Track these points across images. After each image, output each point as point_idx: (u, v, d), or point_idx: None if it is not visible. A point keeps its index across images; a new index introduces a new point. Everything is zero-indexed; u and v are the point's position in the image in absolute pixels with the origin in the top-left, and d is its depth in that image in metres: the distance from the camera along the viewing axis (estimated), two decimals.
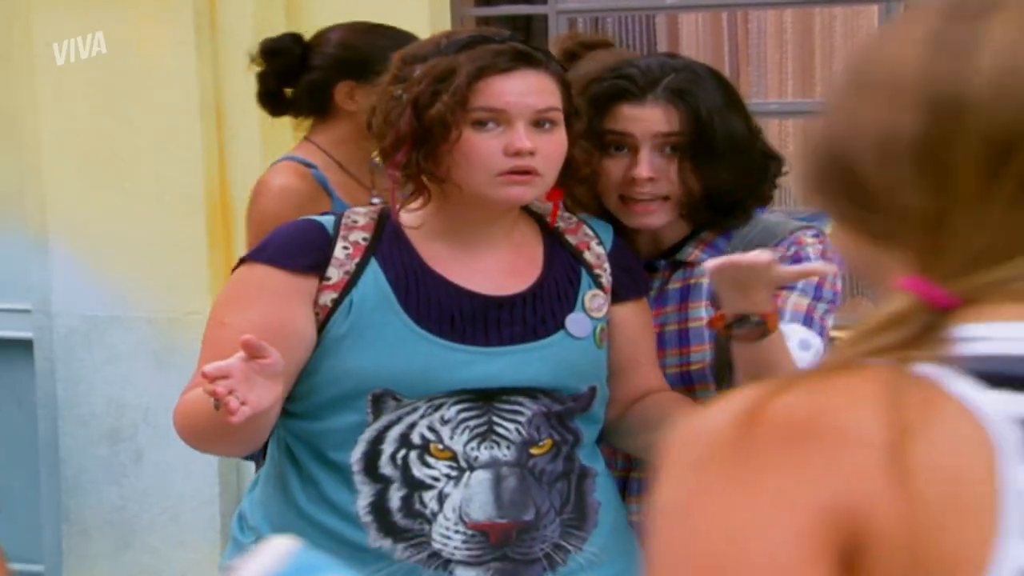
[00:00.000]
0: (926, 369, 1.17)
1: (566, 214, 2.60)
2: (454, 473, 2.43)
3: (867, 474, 1.12)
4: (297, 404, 2.45)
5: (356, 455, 2.43)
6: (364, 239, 2.46)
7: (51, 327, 5.12)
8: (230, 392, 2.14)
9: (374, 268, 2.44)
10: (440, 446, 2.42)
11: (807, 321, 2.66)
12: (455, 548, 2.42)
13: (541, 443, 2.47)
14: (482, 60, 2.40)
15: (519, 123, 2.40)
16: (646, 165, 2.61)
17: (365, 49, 3.55)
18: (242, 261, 2.49)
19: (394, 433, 2.42)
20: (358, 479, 2.43)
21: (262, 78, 3.70)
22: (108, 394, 5.08)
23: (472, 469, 2.43)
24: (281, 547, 1.28)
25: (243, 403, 2.15)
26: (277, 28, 4.83)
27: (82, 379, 5.11)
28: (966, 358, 1.17)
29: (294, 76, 3.63)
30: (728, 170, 2.63)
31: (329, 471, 2.44)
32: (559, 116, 2.45)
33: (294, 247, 2.44)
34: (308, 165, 3.51)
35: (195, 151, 4.86)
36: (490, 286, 2.48)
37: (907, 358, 1.17)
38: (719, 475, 1.15)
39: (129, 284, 4.99)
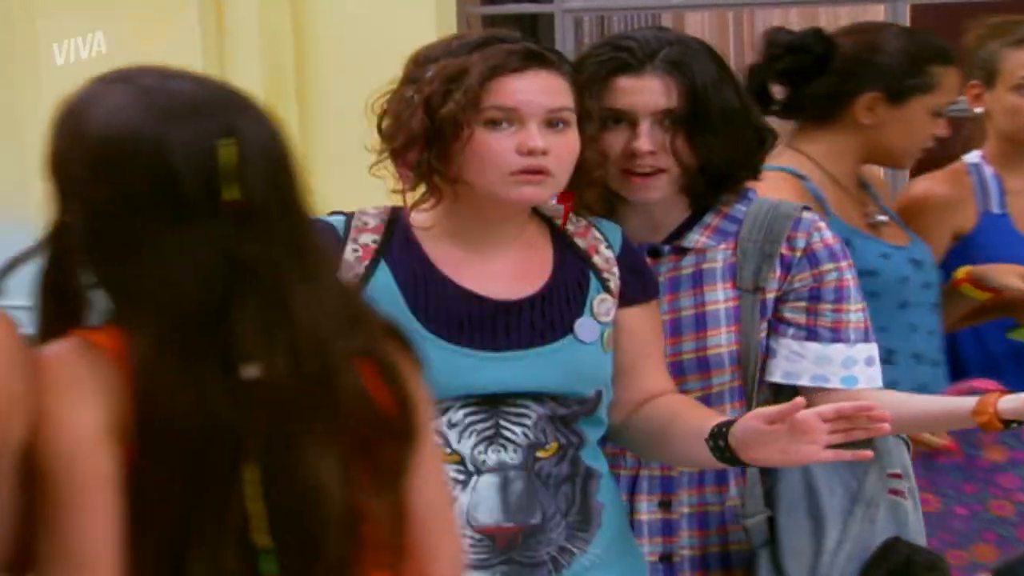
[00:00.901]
0: None
1: (575, 217, 2.58)
2: (461, 477, 2.42)
3: None
4: None
5: None
6: (374, 241, 2.45)
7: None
8: None
9: (384, 271, 2.43)
10: (448, 450, 2.41)
11: (866, 336, 2.72)
12: None
13: (547, 446, 2.46)
14: (495, 59, 2.39)
15: (532, 122, 2.39)
16: (647, 138, 2.62)
17: (901, 58, 3.32)
18: None
19: None
20: None
21: (761, 71, 3.30)
22: None
23: (480, 473, 2.42)
24: None
25: None
26: (283, 32, 4.84)
27: None
28: None
29: (806, 76, 3.29)
30: (723, 142, 2.64)
31: None
32: (571, 116, 2.44)
33: None
34: (800, 177, 3.27)
35: None
36: (499, 290, 2.46)
37: None
38: None
39: None
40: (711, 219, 2.73)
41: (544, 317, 2.47)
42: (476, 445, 2.41)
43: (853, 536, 2.69)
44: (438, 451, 2.02)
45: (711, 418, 2.50)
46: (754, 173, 2.75)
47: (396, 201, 2.53)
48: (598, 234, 2.58)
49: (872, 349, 2.72)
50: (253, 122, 1.75)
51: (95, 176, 1.71)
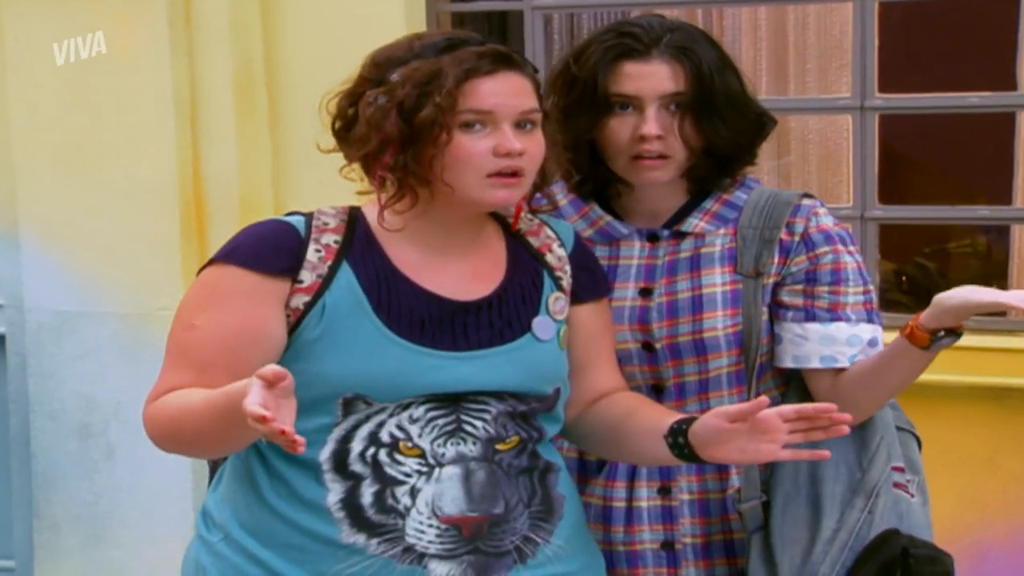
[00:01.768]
0: None
1: (528, 215, 2.60)
2: (424, 470, 2.44)
3: None
4: None
5: (325, 454, 2.43)
6: (336, 242, 2.46)
7: (22, 322, 5.10)
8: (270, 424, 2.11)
9: (346, 272, 2.44)
10: (409, 444, 2.43)
11: (869, 316, 2.75)
12: (429, 542, 2.43)
13: (508, 440, 2.49)
14: (467, 63, 2.41)
15: (505, 124, 2.42)
16: (654, 122, 2.67)
17: None
18: (211, 263, 2.47)
19: (363, 432, 2.43)
20: (328, 477, 2.43)
21: None
22: (79, 389, 5.06)
23: (441, 465, 2.44)
24: None
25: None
26: (252, 23, 4.82)
27: (53, 374, 5.09)
28: None
29: None
30: (728, 126, 2.70)
31: (298, 468, 2.44)
32: (539, 118, 2.47)
33: (266, 249, 2.43)
34: None
35: (168, 147, 4.84)
36: (457, 290, 2.49)
37: None
38: None
39: (100, 279, 4.97)
40: (711, 204, 2.78)
41: (502, 316, 2.50)
42: (436, 439, 2.44)
43: (850, 526, 2.71)
44: None
45: (668, 415, 2.53)
46: (750, 159, 2.80)
47: (363, 200, 2.53)
48: (550, 232, 2.62)
49: (875, 331, 2.75)
50: None
51: None
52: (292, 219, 2.48)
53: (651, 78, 2.68)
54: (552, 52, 5.23)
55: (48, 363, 5.09)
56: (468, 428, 2.45)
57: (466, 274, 2.51)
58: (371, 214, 2.49)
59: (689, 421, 2.47)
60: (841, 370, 2.72)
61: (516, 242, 2.59)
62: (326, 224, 2.47)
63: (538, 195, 2.56)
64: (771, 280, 2.75)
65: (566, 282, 2.58)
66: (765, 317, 2.74)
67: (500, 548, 2.46)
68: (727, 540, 2.79)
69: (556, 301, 2.55)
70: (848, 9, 4.85)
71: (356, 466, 2.42)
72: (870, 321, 2.75)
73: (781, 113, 5.25)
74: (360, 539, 2.42)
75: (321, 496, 2.42)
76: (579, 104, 2.72)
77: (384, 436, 2.42)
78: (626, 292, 2.76)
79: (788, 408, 2.40)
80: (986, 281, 6.02)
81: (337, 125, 2.48)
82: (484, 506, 2.44)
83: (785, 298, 2.75)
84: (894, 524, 2.74)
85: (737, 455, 2.42)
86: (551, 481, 2.54)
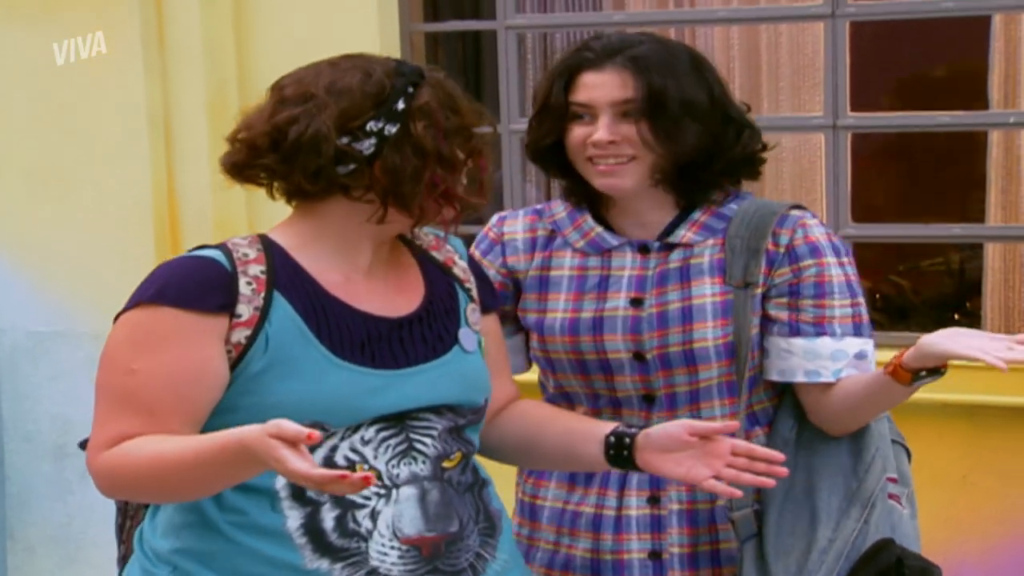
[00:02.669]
0: None
1: (426, 231, 2.62)
2: (382, 492, 2.43)
3: None
4: None
5: (280, 481, 2.40)
6: (262, 272, 2.42)
7: None
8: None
9: (280, 301, 2.41)
10: (365, 466, 2.42)
11: (857, 329, 2.76)
12: (392, 564, 2.42)
13: (452, 456, 2.50)
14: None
15: None
16: (604, 129, 2.72)
17: None
18: (135, 304, 2.41)
19: (317, 457, 2.38)
20: (285, 504, 2.41)
21: None
22: (53, 411, 5.05)
23: (397, 487, 2.44)
24: None
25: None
26: (225, 42, 4.82)
27: (27, 395, 5.07)
28: None
29: None
30: (688, 135, 2.73)
31: (250, 496, 2.41)
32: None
33: (199, 287, 2.38)
34: None
35: (142, 164, 4.84)
36: (387, 307, 2.49)
37: None
38: None
39: (74, 300, 4.96)
40: (699, 215, 2.80)
41: (432, 330, 2.52)
42: (391, 460, 2.44)
43: (845, 535, 2.73)
44: None
45: (600, 422, 2.64)
46: (745, 173, 2.83)
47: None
48: (449, 247, 2.64)
49: (863, 344, 2.77)
50: None
51: None
52: (210, 253, 2.44)
53: (603, 87, 2.74)
54: (526, 71, 5.24)
55: (22, 384, 5.08)
56: (419, 447, 2.45)
57: (390, 291, 2.51)
58: (283, 240, 2.48)
59: (632, 427, 2.57)
60: (829, 385, 2.74)
61: (423, 258, 2.60)
62: (246, 255, 2.43)
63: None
64: (760, 291, 2.76)
65: (475, 293, 2.62)
66: (755, 331, 2.76)
67: (456, 566, 2.46)
68: (714, 551, 2.81)
69: (473, 312, 2.59)
70: (820, 28, 4.87)
71: (313, 492, 2.40)
72: (858, 335, 2.76)
73: None
74: (323, 564, 2.40)
75: (279, 523, 2.40)
76: (540, 114, 2.80)
77: (339, 459, 2.41)
78: (618, 302, 2.78)
79: (742, 444, 2.49)
80: (960, 299, 6.06)
81: (329, 154, 2.40)
82: (440, 525, 2.44)
83: (771, 311, 2.76)
84: (888, 534, 2.76)
85: (671, 467, 2.50)
86: (486, 496, 2.56)
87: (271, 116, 2.43)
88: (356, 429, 2.42)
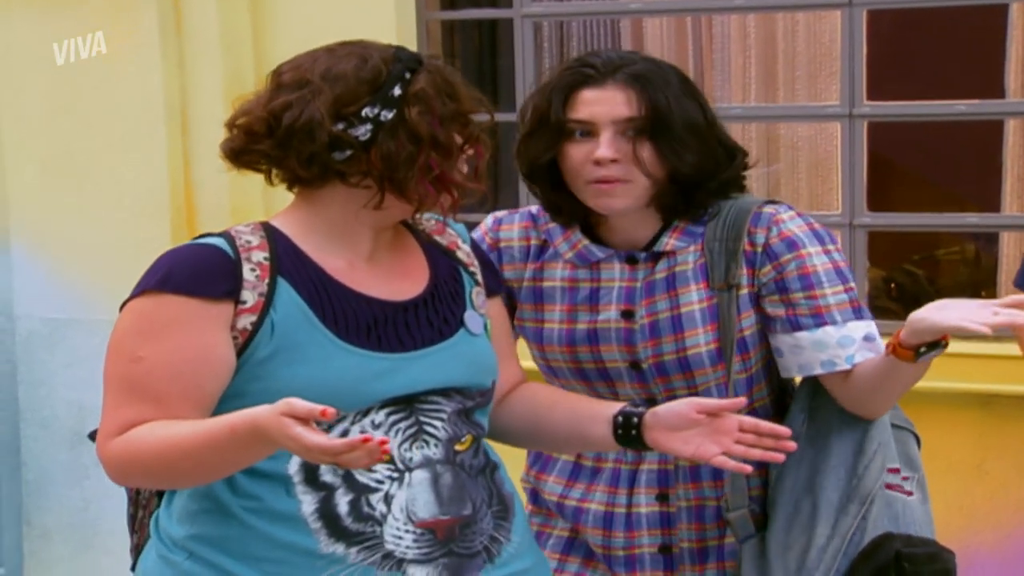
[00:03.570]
0: None
1: (428, 216, 2.63)
2: (395, 475, 2.44)
3: None
4: None
5: (294, 466, 2.41)
6: (265, 259, 2.43)
7: (12, 330, 5.10)
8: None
9: (284, 287, 2.42)
10: (391, 453, 2.43)
11: (857, 313, 2.74)
12: (407, 547, 2.43)
13: (463, 439, 2.51)
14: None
15: None
16: (607, 146, 2.69)
17: None
18: (141, 293, 2.42)
19: None
20: (299, 488, 2.42)
21: None
22: (69, 397, 5.06)
23: (410, 470, 2.45)
24: None
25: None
26: (242, 31, 4.83)
27: (43, 382, 5.09)
28: None
29: None
30: (690, 152, 2.71)
31: (266, 482, 2.42)
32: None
33: (203, 275, 2.39)
34: None
35: (159, 154, 4.85)
36: (391, 291, 2.50)
37: None
38: None
39: (91, 287, 4.98)
40: (679, 222, 2.79)
41: (438, 313, 2.52)
42: (402, 443, 2.44)
43: (843, 532, 2.73)
44: None
45: (608, 402, 2.63)
46: (734, 188, 2.80)
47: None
48: (452, 231, 2.65)
49: (867, 327, 2.75)
50: None
51: None
52: (213, 241, 2.45)
53: (606, 103, 2.71)
54: (542, 61, 5.24)
55: (39, 371, 5.09)
56: (429, 430, 2.46)
57: (395, 275, 2.52)
58: (285, 227, 2.49)
59: (640, 405, 2.57)
60: (847, 372, 2.73)
61: (427, 242, 2.61)
62: (249, 242, 2.44)
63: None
64: (746, 291, 2.76)
65: (479, 277, 2.62)
66: (750, 331, 2.76)
67: (471, 549, 2.47)
68: (720, 545, 2.83)
69: (478, 295, 2.59)
70: (837, 17, 4.86)
71: (327, 476, 2.41)
72: (860, 318, 2.75)
73: (770, 121, 5.28)
74: (339, 548, 2.41)
75: (294, 508, 2.41)
76: (537, 131, 2.76)
77: None
78: (609, 315, 2.79)
79: (749, 420, 2.48)
80: (975, 289, 6.06)
81: (323, 140, 2.40)
82: (454, 508, 2.45)
83: (768, 310, 2.76)
84: (888, 527, 2.76)
85: (679, 445, 2.50)
86: (498, 479, 2.57)
87: (268, 102, 2.44)
88: (366, 413, 2.42)
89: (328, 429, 2.38)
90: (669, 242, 2.77)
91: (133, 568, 2.64)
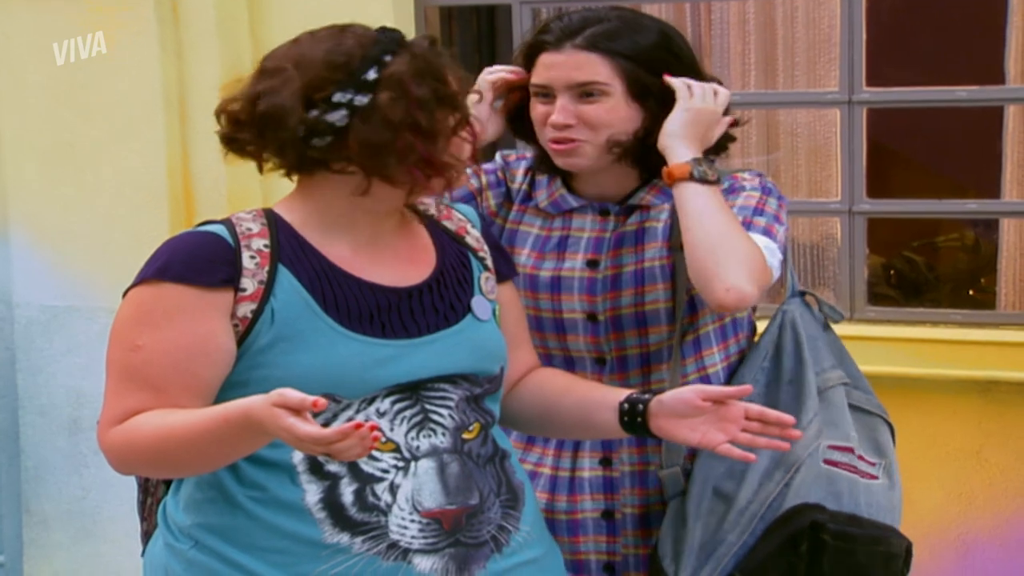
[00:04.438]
0: None
1: (434, 200, 2.62)
2: (401, 464, 2.44)
3: None
4: None
5: (299, 456, 2.41)
6: (265, 246, 2.43)
7: (11, 317, 5.10)
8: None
9: (285, 274, 2.42)
10: (383, 439, 2.42)
11: (767, 232, 2.74)
12: (412, 537, 2.43)
13: (471, 427, 2.50)
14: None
15: None
16: (560, 112, 2.76)
17: None
18: (140, 282, 2.42)
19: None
20: (304, 478, 2.41)
21: None
22: (68, 384, 5.06)
23: (416, 459, 2.44)
24: None
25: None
26: (239, 20, 4.82)
27: (42, 369, 5.09)
28: None
29: None
30: (648, 115, 2.76)
31: (270, 471, 2.42)
32: None
33: (202, 263, 2.39)
34: None
35: (158, 143, 4.84)
36: (396, 278, 2.49)
37: None
38: None
39: (89, 275, 4.97)
40: (659, 180, 2.81)
41: (443, 299, 2.52)
42: (409, 431, 2.44)
43: (762, 497, 2.74)
44: None
45: (616, 389, 2.63)
46: (712, 149, 2.82)
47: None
48: (460, 216, 2.64)
49: (766, 244, 2.73)
50: None
51: None
52: (213, 228, 2.44)
53: (561, 68, 2.77)
54: None
55: (37, 358, 5.09)
56: (435, 418, 2.45)
57: (400, 261, 2.51)
58: (287, 214, 2.48)
59: (652, 393, 2.57)
60: None
61: (435, 227, 2.60)
62: (249, 230, 2.44)
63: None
64: None
65: (489, 261, 2.62)
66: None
67: (478, 539, 2.47)
68: (663, 511, 2.84)
69: (487, 281, 2.59)
70: (836, 3, 4.85)
71: (332, 466, 2.41)
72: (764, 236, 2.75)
73: (769, 107, 5.27)
74: (344, 538, 2.41)
75: (299, 497, 2.41)
76: (515, 89, 2.86)
77: None
78: (575, 263, 2.83)
79: (756, 408, 2.49)
80: (974, 275, 6.05)
81: (294, 127, 2.38)
82: (460, 498, 2.45)
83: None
84: (825, 502, 2.76)
85: (686, 432, 2.51)
86: (508, 468, 2.56)
87: (248, 89, 2.44)
88: (371, 401, 2.42)
89: (333, 418, 2.38)
90: (645, 197, 2.82)
91: (143, 554, 2.65)
